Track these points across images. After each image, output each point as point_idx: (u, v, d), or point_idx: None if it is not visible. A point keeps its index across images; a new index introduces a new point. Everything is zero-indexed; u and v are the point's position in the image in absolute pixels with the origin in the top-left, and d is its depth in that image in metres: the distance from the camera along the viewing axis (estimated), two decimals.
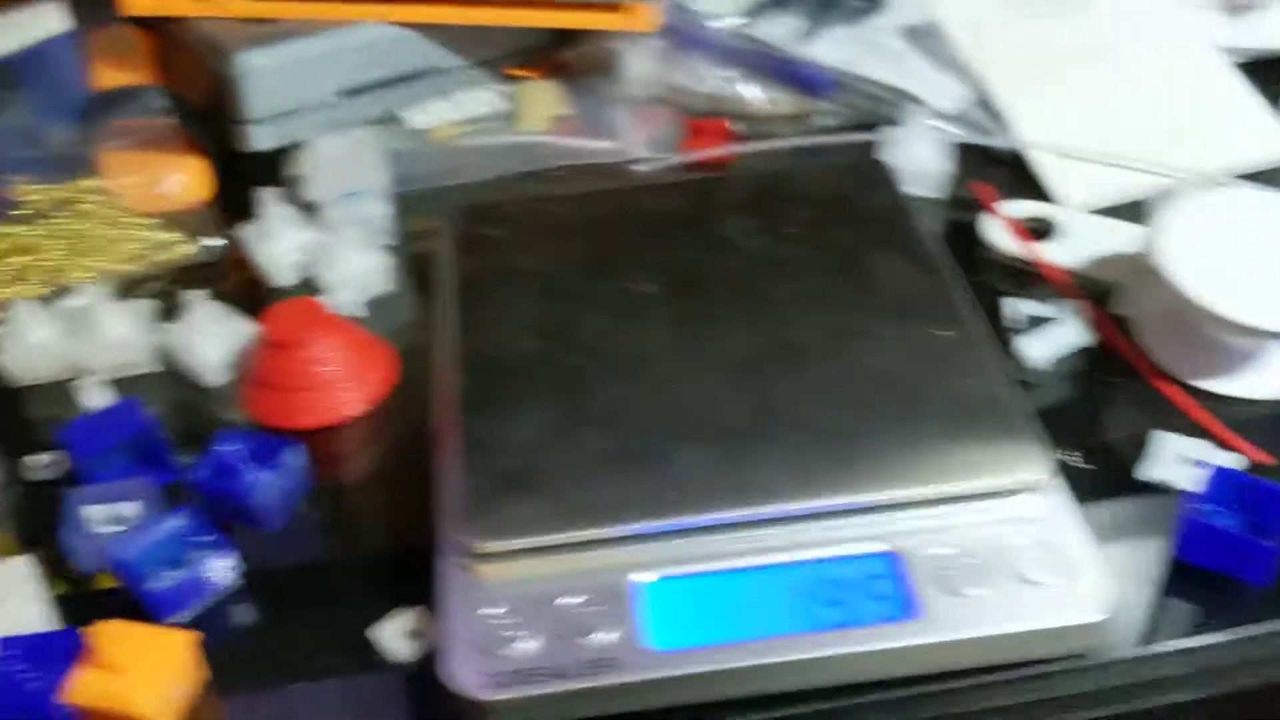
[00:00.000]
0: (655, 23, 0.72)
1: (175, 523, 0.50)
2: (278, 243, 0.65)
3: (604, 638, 0.43)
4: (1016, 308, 0.59)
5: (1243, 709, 0.48)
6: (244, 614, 0.50)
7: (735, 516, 0.46)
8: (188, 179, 0.70)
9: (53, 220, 0.67)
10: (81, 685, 0.44)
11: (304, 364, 0.56)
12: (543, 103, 0.76)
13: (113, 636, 0.45)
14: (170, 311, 0.63)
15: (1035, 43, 0.77)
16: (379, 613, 0.49)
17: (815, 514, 0.46)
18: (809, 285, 0.55)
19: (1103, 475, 0.53)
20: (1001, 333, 0.58)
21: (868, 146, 0.70)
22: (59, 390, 0.61)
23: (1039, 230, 0.64)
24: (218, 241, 0.68)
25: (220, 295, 0.63)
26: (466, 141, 0.73)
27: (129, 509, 0.52)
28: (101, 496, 0.52)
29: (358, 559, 0.52)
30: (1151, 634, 0.47)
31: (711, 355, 0.52)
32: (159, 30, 0.75)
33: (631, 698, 0.43)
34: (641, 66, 0.74)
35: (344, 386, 0.57)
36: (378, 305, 0.65)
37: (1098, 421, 0.57)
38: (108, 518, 0.52)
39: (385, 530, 0.54)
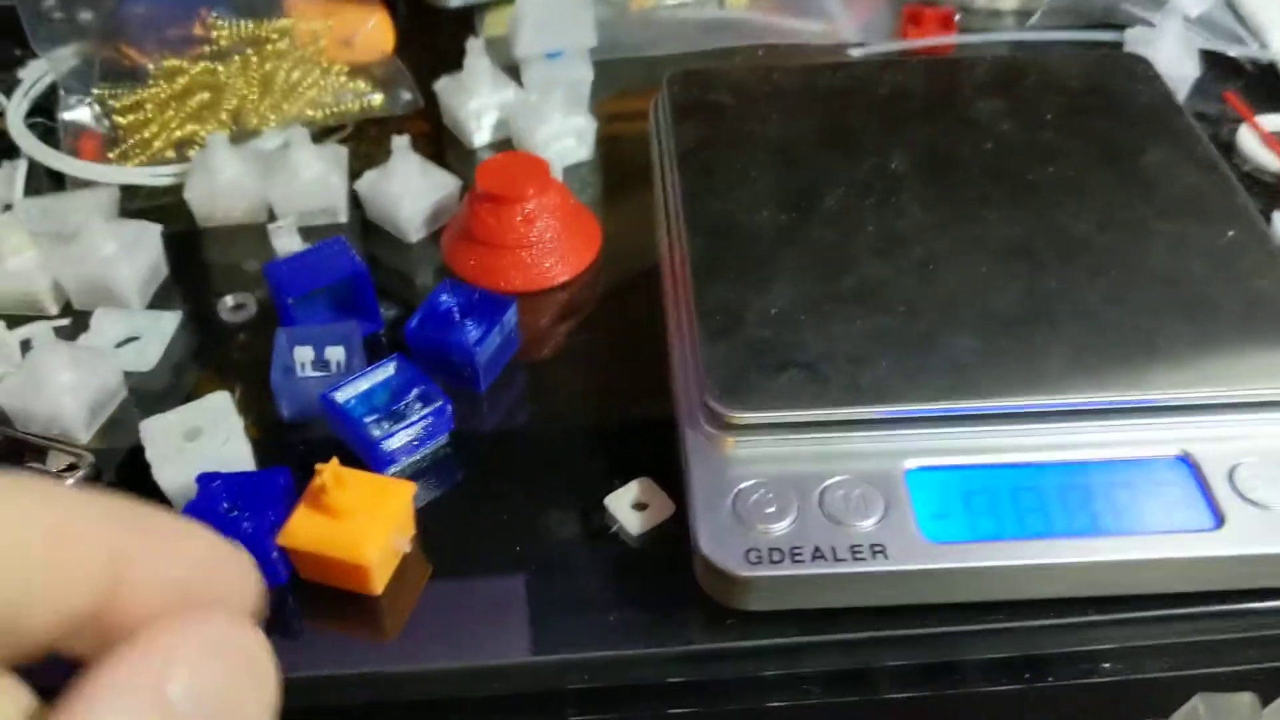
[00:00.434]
0: None
1: (388, 371, 0.47)
2: (477, 99, 0.61)
3: (872, 523, 0.40)
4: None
5: None
6: (451, 474, 0.47)
7: (1018, 406, 0.42)
8: (377, 29, 0.66)
9: (240, 59, 0.63)
10: (301, 527, 0.42)
11: (520, 222, 0.53)
12: None
13: (339, 480, 0.42)
14: (365, 161, 0.60)
15: None
16: (592, 482, 0.46)
17: (1103, 410, 0.42)
18: (1075, 174, 0.51)
19: None
20: None
21: (1106, 46, 0.65)
22: (247, 233, 0.58)
23: None
24: (408, 95, 0.64)
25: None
26: (667, 13, 0.69)
27: (335, 353, 0.49)
28: (309, 338, 0.49)
29: (566, 427, 0.49)
30: None
31: (974, 238, 0.48)
32: None
33: (897, 589, 0.40)
34: None
35: (555, 250, 0.54)
36: (573, 173, 0.62)
37: None
38: (312, 361, 0.49)
39: (595, 400, 0.50)
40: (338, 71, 0.64)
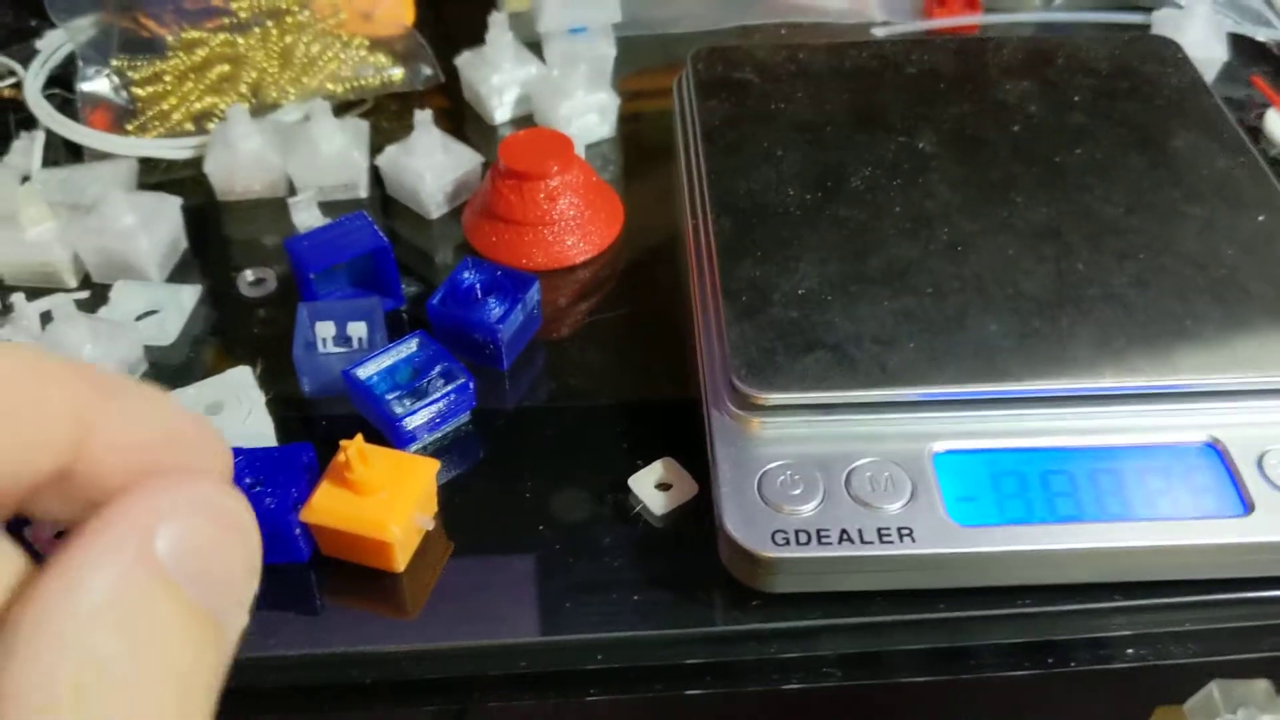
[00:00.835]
0: None
1: (411, 348, 0.47)
2: (499, 74, 0.60)
3: (899, 506, 0.40)
4: None
5: None
6: (472, 451, 0.47)
7: (1046, 390, 0.41)
8: (397, 2, 0.66)
9: (260, 31, 0.63)
10: (324, 503, 0.41)
11: (543, 199, 0.52)
12: None
13: (363, 456, 0.41)
14: (385, 136, 0.59)
15: None
16: (615, 462, 0.45)
17: (1132, 395, 0.42)
18: (1103, 156, 0.50)
19: None
20: None
21: (1133, 28, 0.64)
22: (267, 207, 0.58)
23: None
24: (428, 70, 0.64)
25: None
26: None
27: (357, 329, 0.48)
28: (331, 313, 0.49)
29: (589, 406, 0.49)
30: None
31: (1004, 220, 0.47)
32: None
33: (924, 572, 0.40)
34: None
35: (577, 228, 0.54)
36: (594, 151, 0.61)
37: None
38: (334, 337, 0.49)
39: (617, 379, 0.50)
40: (358, 45, 0.64)
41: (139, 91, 0.62)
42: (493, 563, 0.43)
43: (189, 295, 0.53)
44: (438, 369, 0.47)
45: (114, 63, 0.63)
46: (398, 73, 0.63)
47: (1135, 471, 0.41)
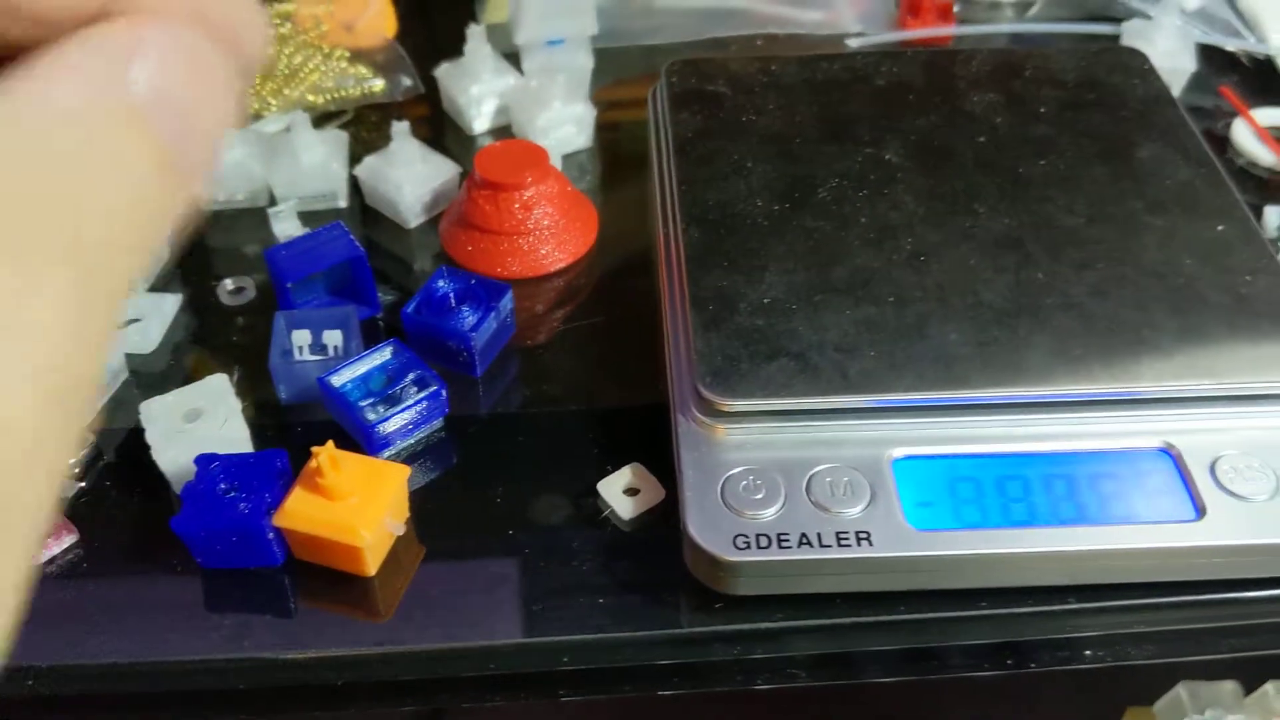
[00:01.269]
0: None
1: (385, 356, 0.48)
2: (478, 85, 0.61)
3: (858, 510, 0.41)
4: (1274, 216, 0.55)
5: None
6: (445, 457, 0.48)
7: (1004, 397, 0.42)
8: (379, 14, 0.67)
9: None
10: (296, 508, 0.42)
11: (518, 209, 0.53)
12: None
13: (334, 462, 0.42)
14: (365, 146, 0.60)
15: None
16: (584, 467, 0.46)
17: (1088, 402, 0.43)
18: (1067, 167, 0.51)
19: None
20: None
21: (1104, 39, 0.65)
22: (248, 217, 0.59)
23: None
24: (408, 81, 0.65)
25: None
26: (667, 2, 0.69)
27: (333, 337, 0.49)
28: (307, 322, 0.49)
29: (560, 413, 0.50)
30: None
31: (966, 230, 0.48)
32: None
33: (882, 575, 0.41)
34: None
35: (552, 237, 0.54)
36: (571, 161, 0.62)
37: None
38: (310, 345, 0.49)
39: (589, 386, 0.51)
40: (339, 56, 0.65)
41: None
42: (464, 567, 0.44)
43: (170, 304, 0.54)
44: (411, 376, 0.48)
45: None
46: (378, 84, 0.64)
47: (1090, 476, 0.42)
